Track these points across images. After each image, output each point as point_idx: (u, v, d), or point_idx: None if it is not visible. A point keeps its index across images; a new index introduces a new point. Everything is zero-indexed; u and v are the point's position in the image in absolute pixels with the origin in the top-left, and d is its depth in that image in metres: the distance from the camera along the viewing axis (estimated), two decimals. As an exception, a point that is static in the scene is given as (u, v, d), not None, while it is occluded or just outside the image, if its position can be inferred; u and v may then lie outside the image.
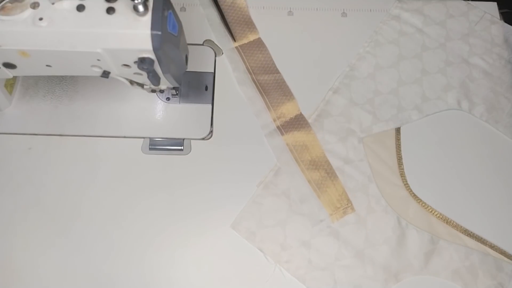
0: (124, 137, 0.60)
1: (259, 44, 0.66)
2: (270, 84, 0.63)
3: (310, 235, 0.56)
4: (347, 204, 0.57)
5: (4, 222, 0.56)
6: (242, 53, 0.65)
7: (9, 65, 0.49)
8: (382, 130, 0.62)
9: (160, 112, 0.62)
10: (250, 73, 0.64)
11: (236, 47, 0.65)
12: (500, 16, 0.70)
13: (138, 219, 0.56)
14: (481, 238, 0.57)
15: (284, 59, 0.66)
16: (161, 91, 0.60)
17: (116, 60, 0.47)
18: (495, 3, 0.71)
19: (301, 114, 0.62)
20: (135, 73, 0.50)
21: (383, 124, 0.63)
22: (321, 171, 0.58)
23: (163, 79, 0.51)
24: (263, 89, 0.63)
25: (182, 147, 0.60)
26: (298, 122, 0.61)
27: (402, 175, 0.60)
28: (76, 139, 0.60)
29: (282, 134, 0.60)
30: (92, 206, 0.57)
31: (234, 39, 0.66)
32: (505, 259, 0.56)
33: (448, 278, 0.55)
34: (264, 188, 0.58)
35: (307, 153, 0.59)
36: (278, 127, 0.61)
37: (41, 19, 0.43)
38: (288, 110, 0.62)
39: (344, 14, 0.70)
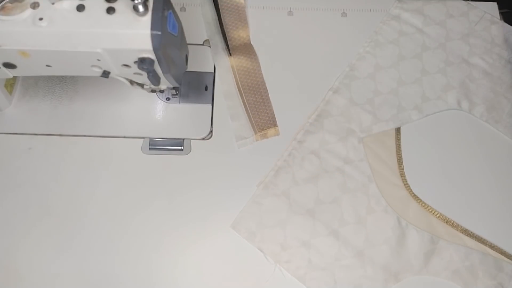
0: (124, 137, 0.60)
1: None
2: (229, 7, 0.67)
3: (310, 235, 0.56)
4: (273, 127, 0.61)
5: (4, 222, 0.56)
6: None
7: (9, 65, 0.49)
8: (382, 130, 0.62)
9: (160, 112, 0.62)
10: None
11: None
12: (500, 16, 0.70)
13: (138, 219, 0.56)
14: (481, 238, 0.57)
15: (284, 59, 0.66)
16: (161, 91, 0.60)
17: (116, 60, 0.47)
18: (495, 3, 0.71)
19: (250, 43, 0.66)
20: (135, 73, 0.50)
21: (383, 124, 0.63)
22: (257, 96, 0.62)
23: (163, 79, 0.51)
24: (222, 11, 0.67)
25: (182, 147, 0.60)
26: (246, 49, 0.65)
27: (402, 175, 0.60)
28: (76, 139, 0.60)
29: (229, 55, 0.64)
30: (92, 206, 0.57)
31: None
32: (505, 259, 0.56)
33: (448, 278, 0.55)
34: (264, 188, 0.58)
35: (248, 78, 0.63)
36: (227, 47, 0.65)
37: (41, 19, 0.43)
38: (239, 36, 0.66)
39: (344, 14, 0.70)
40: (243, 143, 0.60)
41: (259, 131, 0.61)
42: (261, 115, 0.62)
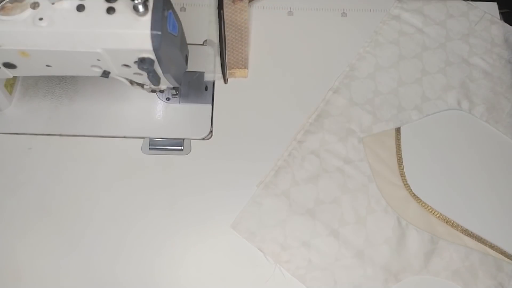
0: (124, 137, 0.60)
1: None
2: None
3: (310, 235, 0.56)
4: (243, 68, 0.63)
5: (4, 222, 0.56)
6: None
7: (9, 65, 0.49)
8: (382, 130, 0.62)
9: (160, 112, 0.62)
10: None
11: None
12: (500, 16, 0.70)
13: (138, 219, 0.56)
14: (481, 238, 0.57)
15: (284, 59, 0.66)
16: (161, 91, 0.60)
17: (116, 60, 0.47)
18: (495, 3, 0.71)
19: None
20: (135, 73, 0.50)
21: (383, 124, 0.63)
22: (237, 34, 0.63)
23: (163, 79, 0.51)
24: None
25: (182, 147, 0.60)
26: None
27: (402, 175, 0.60)
28: (76, 139, 0.60)
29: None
30: (92, 206, 0.57)
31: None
32: (505, 259, 0.56)
33: (448, 278, 0.55)
34: (264, 188, 0.58)
35: (234, 16, 0.63)
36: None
37: (41, 19, 0.43)
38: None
39: (344, 14, 0.70)
40: (210, 77, 0.63)
41: (228, 69, 0.63)
42: (235, 54, 0.63)
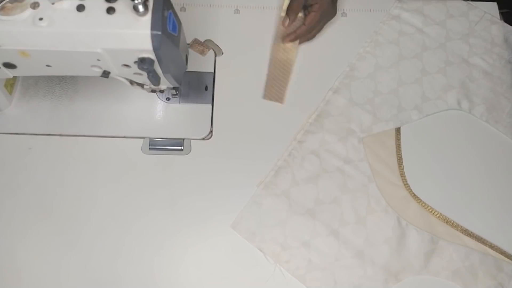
0: (124, 137, 0.60)
1: None
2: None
3: (310, 235, 0.56)
4: (280, 101, 0.64)
5: (4, 222, 0.56)
6: None
7: (9, 65, 0.49)
8: (382, 130, 0.62)
9: (160, 112, 0.62)
10: None
11: None
12: (500, 16, 0.70)
13: (138, 219, 0.56)
14: (481, 238, 0.57)
15: (284, 59, 0.66)
16: (161, 91, 0.60)
17: (116, 60, 0.47)
18: (495, 3, 0.71)
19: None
20: (135, 73, 0.50)
21: (383, 124, 0.63)
22: (279, 71, 0.65)
23: (163, 79, 0.51)
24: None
25: (182, 147, 0.60)
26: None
27: (402, 175, 0.60)
28: (76, 139, 0.60)
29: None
30: (92, 206, 0.57)
31: None
32: (505, 259, 0.56)
33: (448, 278, 0.55)
34: (264, 188, 0.58)
35: (280, 54, 0.66)
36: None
37: (41, 19, 0.43)
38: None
39: (344, 14, 0.70)
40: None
41: (265, 97, 0.64)
42: (275, 88, 0.64)
